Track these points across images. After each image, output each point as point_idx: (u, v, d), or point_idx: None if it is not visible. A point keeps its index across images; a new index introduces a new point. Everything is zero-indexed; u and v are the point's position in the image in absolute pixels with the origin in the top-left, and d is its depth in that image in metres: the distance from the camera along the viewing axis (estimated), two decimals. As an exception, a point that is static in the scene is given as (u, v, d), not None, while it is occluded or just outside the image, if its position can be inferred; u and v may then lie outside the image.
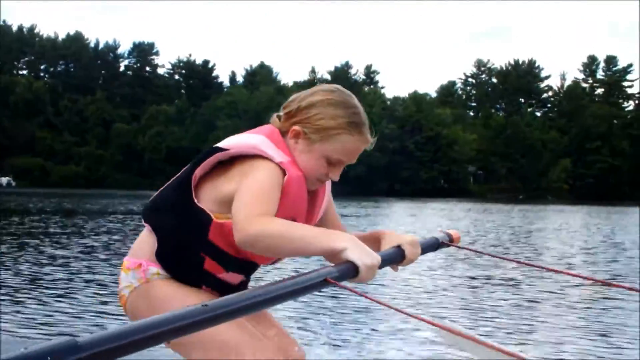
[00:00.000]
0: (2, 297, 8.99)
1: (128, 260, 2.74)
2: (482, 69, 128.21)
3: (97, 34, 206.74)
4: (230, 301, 1.77)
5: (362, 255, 2.23)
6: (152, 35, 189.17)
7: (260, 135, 2.68)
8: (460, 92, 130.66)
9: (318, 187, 2.80)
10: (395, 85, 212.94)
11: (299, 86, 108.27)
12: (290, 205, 2.59)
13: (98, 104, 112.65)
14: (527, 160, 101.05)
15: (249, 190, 2.49)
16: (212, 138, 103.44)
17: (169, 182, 2.76)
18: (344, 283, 2.18)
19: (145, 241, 2.71)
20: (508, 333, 8.25)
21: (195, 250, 2.61)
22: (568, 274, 3.09)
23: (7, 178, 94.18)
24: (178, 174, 2.74)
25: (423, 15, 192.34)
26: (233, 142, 2.67)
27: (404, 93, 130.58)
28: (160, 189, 2.80)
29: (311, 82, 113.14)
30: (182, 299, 2.59)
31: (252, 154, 2.58)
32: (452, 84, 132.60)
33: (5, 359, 1.13)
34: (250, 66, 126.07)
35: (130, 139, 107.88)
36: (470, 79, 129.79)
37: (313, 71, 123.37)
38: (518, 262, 2.63)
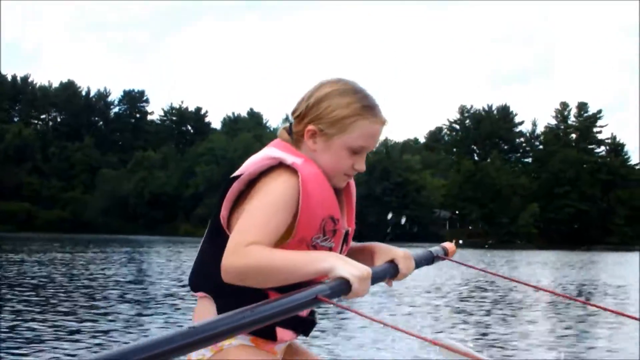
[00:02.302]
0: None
1: None
2: (466, 114, 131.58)
3: (89, 82, 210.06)
4: (220, 322, 1.75)
5: (351, 269, 2.22)
6: (143, 84, 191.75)
7: (268, 147, 2.65)
8: (446, 138, 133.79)
9: (346, 182, 2.70)
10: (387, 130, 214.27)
11: (273, 132, 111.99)
12: (318, 205, 2.52)
13: (85, 151, 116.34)
14: (496, 205, 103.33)
15: (247, 214, 2.44)
16: (191, 184, 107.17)
17: (203, 238, 2.68)
18: (337, 300, 2.19)
19: (205, 310, 2.58)
20: (500, 347, 9.73)
21: (257, 296, 2.35)
22: (565, 297, 3.22)
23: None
24: (208, 224, 2.66)
25: (411, 61, 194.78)
26: (245, 165, 2.60)
27: (398, 139, 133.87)
28: (199, 251, 2.68)
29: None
30: None
31: (264, 167, 2.53)
32: (440, 129, 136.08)
33: None
34: (233, 113, 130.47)
35: (116, 184, 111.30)
36: (454, 125, 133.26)
37: (287, 118, 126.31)
38: (517, 281, 2.83)
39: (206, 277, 2.58)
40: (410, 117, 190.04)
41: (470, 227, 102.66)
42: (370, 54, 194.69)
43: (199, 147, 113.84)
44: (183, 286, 19.93)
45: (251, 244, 2.32)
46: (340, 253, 2.65)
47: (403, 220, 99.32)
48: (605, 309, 2.60)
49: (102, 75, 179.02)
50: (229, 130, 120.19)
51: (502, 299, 16.78)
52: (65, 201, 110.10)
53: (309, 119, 2.62)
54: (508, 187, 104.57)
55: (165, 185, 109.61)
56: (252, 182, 2.54)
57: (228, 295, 2.47)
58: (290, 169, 2.51)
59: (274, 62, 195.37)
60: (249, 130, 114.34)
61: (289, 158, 2.53)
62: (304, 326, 2.70)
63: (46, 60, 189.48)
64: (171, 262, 34.38)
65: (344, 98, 2.61)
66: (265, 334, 2.58)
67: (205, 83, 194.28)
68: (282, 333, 2.62)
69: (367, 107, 2.62)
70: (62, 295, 17.22)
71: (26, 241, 57.29)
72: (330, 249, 2.58)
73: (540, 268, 39.07)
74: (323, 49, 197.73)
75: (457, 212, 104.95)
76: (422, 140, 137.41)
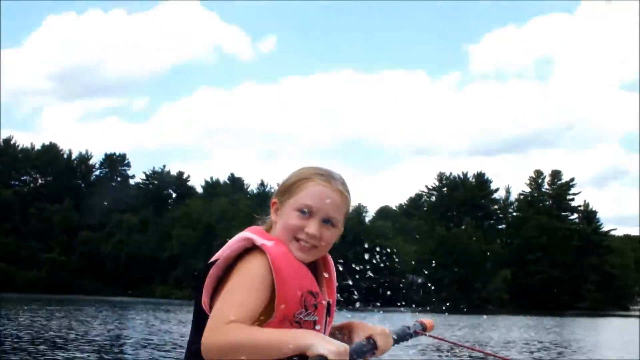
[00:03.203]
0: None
1: None
2: (444, 181, 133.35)
3: (71, 145, 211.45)
4: None
5: (329, 346, 2.27)
6: (126, 147, 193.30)
7: (243, 232, 2.70)
8: (425, 204, 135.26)
9: (310, 254, 2.69)
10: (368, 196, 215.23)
11: (249, 198, 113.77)
12: (293, 281, 2.57)
13: (65, 212, 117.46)
14: (467, 271, 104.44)
15: (225, 295, 2.51)
16: (168, 247, 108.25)
17: (191, 328, 2.70)
18: None
19: None
20: None
21: None
22: None
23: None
24: (193, 315, 2.70)
25: (396, 125, 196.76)
26: (221, 250, 2.66)
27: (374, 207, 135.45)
28: (187, 343, 2.71)
29: (260, 194, 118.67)
30: None
31: (239, 250, 2.61)
32: (420, 196, 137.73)
33: None
34: (212, 178, 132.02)
35: (94, 246, 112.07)
36: (432, 192, 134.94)
37: (262, 184, 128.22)
38: (495, 355, 3.09)
39: None
40: (395, 183, 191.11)
41: (443, 293, 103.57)
42: (360, 119, 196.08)
43: (177, 211, 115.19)
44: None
45: (231, 322, 2.39)
46: (325, 325, 2.74)
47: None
48: None
49: (84, 139, 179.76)
50: (206, 195, 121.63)
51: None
52: (43, 262, 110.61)
53: (274, 195, 2.81)
54: (480, 253, 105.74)
55: (142, 247, 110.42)
56: (229, 266, 2.63)
57: None
58: (261, 250, 2.60)
59: (264, 128, 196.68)
60: (226, 195, 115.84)
61: (259, 240, 2.63)
62: None
63: (30, 123, 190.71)
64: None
65: (301, 170, 2.79)
66: None
67: (190, 148, 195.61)
68: None
69: (318, 175, 2.74)
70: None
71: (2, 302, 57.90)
72: (315, 322, 2.65)
73: (521, 338, 38.39)
74: (314, 114, 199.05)
75: (429, 277, 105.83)
76: (397, 207, 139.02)
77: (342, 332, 2.83)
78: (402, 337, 2.85)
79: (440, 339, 3.10)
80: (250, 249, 2.62)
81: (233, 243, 2.65)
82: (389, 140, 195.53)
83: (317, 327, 2.65)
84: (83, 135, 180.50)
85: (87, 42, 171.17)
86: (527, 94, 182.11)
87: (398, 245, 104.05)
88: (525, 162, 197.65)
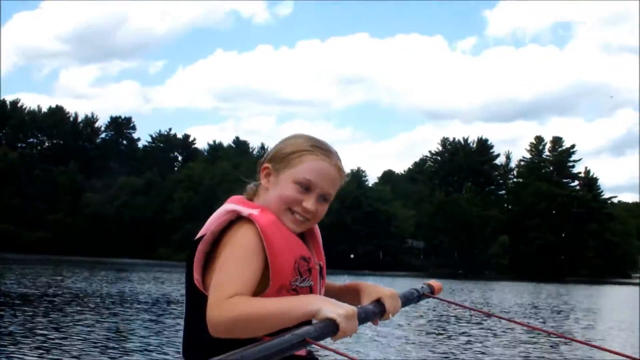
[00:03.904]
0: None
1: None
2: (448, 146, 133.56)
3: (77, 108, 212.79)
4: None
5: (337, 310, 2.24)
6: (131, 111, 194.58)
7: (225, 204, 2.67)
8: (431, 169, 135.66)
9: (298, 226, 2.67)
10: (370, 161, 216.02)
11: (252, 162, 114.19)
12: (284, 248, 2.55)
13: (70, 175, 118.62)
14: (466, 236, 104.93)
15: (219, 270, 2.47)
16: (170, 210, 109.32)
17: (185, 307, 2.68)
18: (326, 343, 2.17)
19: None
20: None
21: None
22: (558, 335, 3.68)
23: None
24: (185, 294, 2.66)
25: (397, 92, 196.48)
26: (206, 224, 2.64)
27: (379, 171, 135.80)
28: (184, 322, 2.67)
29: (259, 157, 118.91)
30: None
31: (224, 223, 2.57)
32: (424, 161, 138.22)
33: None
34: (214, 141, 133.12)
35: (98, 208, 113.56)
36: (435, 157, 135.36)
37: (262, 147, 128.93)
38: (502, 318, 3.17)
39: (199, 345, 2.55)
40: (408, 148, 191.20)
41: (440, 258, 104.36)
42: (375, 83, 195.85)
43: (179, 174, 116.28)
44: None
45: (234, 296, 2.36)
46: (320, 289, 2.72)
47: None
48: (600, 348, 2.70)
49: (99, 101, 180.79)
50: (210, 158, 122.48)
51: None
52: (48, 223, 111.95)
53: (265, 161, 2.75)
54: (478, 218, 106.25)
55: (146, 210, 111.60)
56: (216, 241, 2.58)
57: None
58: (248, 220, 2.55)
59: (279, 92, 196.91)
60: (230, 159, 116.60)
61: (245, 210, 2.57)
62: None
63: (46, 86, 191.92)
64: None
65: (297, 139, 2.73)
66: None
67: (205, 111, 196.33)
68: None
69: (317, 147, 2.70)
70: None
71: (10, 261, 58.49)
72: (311, 288, 2.62)
73: (517, 300, 39.41)
74: (329, 78, 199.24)
75: (427, 242, 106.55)
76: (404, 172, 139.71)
77: (350, 294, 2.81)
78: (410, 299, 2.85)
79: (448, 301, 3.09)
80: (236, 220, 2.59)
81: (218, 217, 2.62)
82: (404, 105, 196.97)
83: (312, 292, 2.64)
84: (98, 98, 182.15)
85: (103, 4, 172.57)
86: (544, 59, 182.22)
87: (397, 209, 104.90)
88: (542, 129, 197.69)
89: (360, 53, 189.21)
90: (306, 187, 2.63)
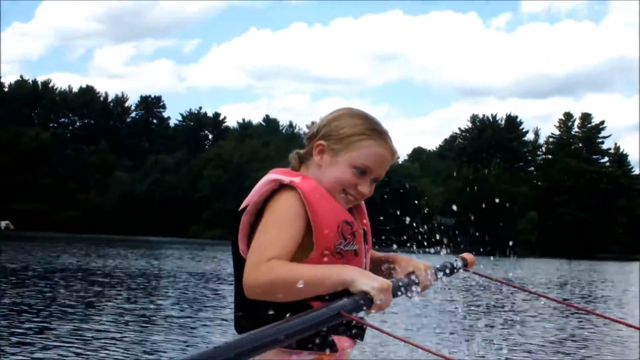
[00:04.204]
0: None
1: None
2: (478, 123, 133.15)
3: (107, 88, 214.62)
4: (242, 342, 1.76)
5: (372, 282, 2.25)
6: (165, 89, 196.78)
7: (267, 174, 2.68)
8: (460, 146, 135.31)
9: (348, 204, 2.70)
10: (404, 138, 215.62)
11: (281, 139, 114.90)
12: (327, 213, 2.56)
13: (101, 154, 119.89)
14: (493, 213, 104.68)
15: (259, 234, 2.51)
16: (200, 187, 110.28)
17: (234, 277, 2.66)
18: (360, 316, 2.18)
19: None
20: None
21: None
22: (577, 307, 3.21)
23: (5, 222, 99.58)
24: (233, 266, 2.69)
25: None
26: (250, 195, 2.65)
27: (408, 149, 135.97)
28: (235, 295, 2.67)
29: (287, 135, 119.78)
30: None
31: (267, 193, 2.60)
32: (454, 138, 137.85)
33: None
34: (243, 119, 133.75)
35: (129, 187, 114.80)
36: (465, 133, 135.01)
37: (291, 125, 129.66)
38: (533, 292, 3.37)
39: (252, 315, 2.55)
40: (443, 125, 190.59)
41: (469, 235, 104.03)
42: (409, 60, 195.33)
43: (209, 153, 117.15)
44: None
45: (271, 259, 2.39)
46: (364, 253, 2.71)
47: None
48: (608, 318, 2.83)
49: (134, 80, 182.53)
50: (239, 137, 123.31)
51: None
52: (79, 202, 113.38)
53: (319, 137, 2.74)
54: (507, 195, 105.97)
55: (176, 188, 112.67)
56: (260, 211, 2.61)
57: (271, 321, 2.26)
58: (290, 187, 2.57)
59: (313, 70, 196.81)
60: (259, 137, 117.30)
61: (286, 178, 2.60)
62: (356, 330, 2.68)
63: (82, 65, 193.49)
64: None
65: (354, 119, 2.73)
66: (326, 347, 2.56)
67: (239, 89, 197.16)
68: (340, 341, 2.62)
69: (375, 130, 2.72)
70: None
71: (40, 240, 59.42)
72: (356, 251, 2.63)
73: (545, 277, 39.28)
74: (363, 55, 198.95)
75: (455, 219, 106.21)
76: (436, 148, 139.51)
77: (384, 264, 2.84)
78: (444, 272, 2.85)
79: (482, 275, 3.04)
80: (278, 189, 2.61)
81: (260, 187, 2.63)
82: (438, 82, 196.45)
83: (358, 256, 2.65)
84: (132, 77, 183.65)
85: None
86: (579, 35, 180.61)
87: (425, 186, 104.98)
88: (577, 106, 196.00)
89: (394, 30, 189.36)
90: (363, 172, 2.67)
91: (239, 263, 2.59)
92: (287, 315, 2.03)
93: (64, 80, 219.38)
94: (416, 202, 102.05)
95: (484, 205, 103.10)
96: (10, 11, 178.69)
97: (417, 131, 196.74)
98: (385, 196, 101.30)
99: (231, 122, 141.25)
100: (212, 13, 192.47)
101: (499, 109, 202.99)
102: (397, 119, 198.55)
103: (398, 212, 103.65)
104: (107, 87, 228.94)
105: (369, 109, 2.78)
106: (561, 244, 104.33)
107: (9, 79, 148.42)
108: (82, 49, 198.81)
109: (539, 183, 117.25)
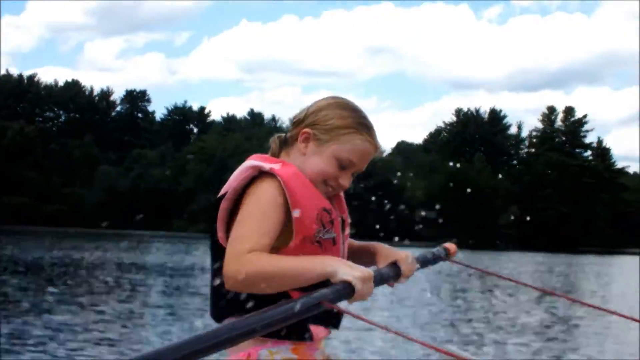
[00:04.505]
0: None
1: (231, 358, 2.56)
2: (461, 117, 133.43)
3: (98, 81, 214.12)
4: (222, 331, 1.77)
5: (353, 272, 2.24)
6: (155, 83, 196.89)
7: (247, 160, 2.65)
8: (444, 140, 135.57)
9: (326, 194, 2.67)
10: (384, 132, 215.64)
11: (264, 133, 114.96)
12: (307, 200, 2.53)
13: (86, 148, 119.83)
14: (475, 206, 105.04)
15: (239, 224, 2.47)
16: (184, 181, 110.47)
17: (211, 265, 2.64)
18: (342, 306, 2.20)
19: None
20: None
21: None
22: (567, 298, 2.98)
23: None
24: (210, 252, 2.65)
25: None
26: (228, 182, 2.60)
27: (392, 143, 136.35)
28: (211, 281, 2.62)
29: (271, 129, 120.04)
30: None
31: (246, 179, 2.55)
32: (439, 131, 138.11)
33: None
34: (227, 113, 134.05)
35: (113, 181, 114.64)
36: (449, 127, 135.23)
37: (273, 119, 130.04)
38: (515, 281, 2.84)
39: (229, 302, 2.53)
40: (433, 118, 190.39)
41: (451, 228, 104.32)
42: (400, 52, 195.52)
43: (192, 147, 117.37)
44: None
45: (251, 251, 2.36)
46: (342, 241, 2.70)
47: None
48: (607, 311, 2.77)
49: (124, 74, 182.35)
50: (222, 130, 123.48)
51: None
52: (64, 196, 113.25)
53: (305, 124, 2.70)
54: (489, 188, 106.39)
55: (160, 182, 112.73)
56: (239, 198, 2.56)
57: (249, 310, 2.29)
58: (270, 174, 2.53)
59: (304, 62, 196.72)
60: (242, 130, 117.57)
61: (266, 165, 2.56)
62: (332, 319, 2.69)
63: (71, 59, 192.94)
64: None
65: (343, 111, 2.70)
66: (302, 335, 2.58)
67: (229, 82, 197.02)
68: (316, 330, 2.63)
69: (363, 125, 2.69)
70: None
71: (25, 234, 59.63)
72: (334, 239, 2.61)
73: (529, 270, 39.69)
74: (354, 48, 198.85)
75: (438, 212, 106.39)
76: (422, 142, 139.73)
77: (365, 256, 2.80)
78: (425, 262, 2.84)
79: (464, 264, 3.05)
80: (258, 175, 2.56)
81: (240, 173, 2.59)
82: (429, 75, 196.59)
83: (336, 244, 2.63)
84: (123, 70, 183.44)
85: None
86: (571, 27, 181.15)
87: (407, 180, 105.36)
88: (569, 99, 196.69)
89: (385, 23, 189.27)
90: (346, 165, 2.66)
91: (217, 251, 2.57)
92: (265, 305, 2.06)
93: (55, 74, 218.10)
94: (398, 195, 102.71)
95: (466, 199, 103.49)
96: (2, 4, 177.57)
97: (406, 124, 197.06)
98: (366, 188, 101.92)
99: (219, 115, 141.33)
100: (203, 5, 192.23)
101: (490, 102, 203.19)
102: (385, 112, 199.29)
103: (381, 205, 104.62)
104: (98, 81, 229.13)
105: (357, 101, 2.83)
106: (544, 238, 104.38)
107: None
108: (73, 42, 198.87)
109: (519, 177, 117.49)
